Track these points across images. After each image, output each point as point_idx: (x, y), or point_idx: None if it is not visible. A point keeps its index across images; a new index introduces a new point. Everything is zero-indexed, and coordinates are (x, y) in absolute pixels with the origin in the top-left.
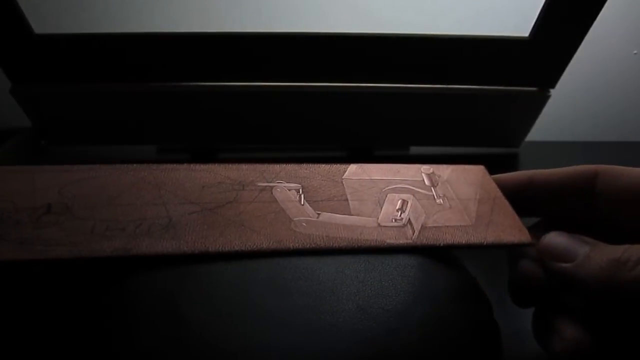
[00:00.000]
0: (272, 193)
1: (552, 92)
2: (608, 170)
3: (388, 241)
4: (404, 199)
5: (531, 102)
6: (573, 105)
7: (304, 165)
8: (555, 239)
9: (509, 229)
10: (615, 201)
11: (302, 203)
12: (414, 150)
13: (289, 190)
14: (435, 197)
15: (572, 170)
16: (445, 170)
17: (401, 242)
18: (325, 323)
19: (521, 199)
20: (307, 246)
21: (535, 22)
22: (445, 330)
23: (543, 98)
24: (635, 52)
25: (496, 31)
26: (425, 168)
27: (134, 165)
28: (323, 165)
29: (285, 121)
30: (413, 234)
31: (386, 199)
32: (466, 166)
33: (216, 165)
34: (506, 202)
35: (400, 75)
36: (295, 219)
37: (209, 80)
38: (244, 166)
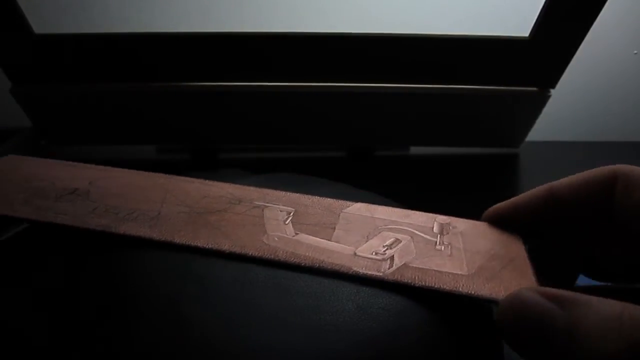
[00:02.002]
0: (262, 211)
1: (552, 92)
2: (630, 175)
3: (354, 269)
4: (398, 237)
5: (531, 102)
6: (573, 105)
7: (309, 196)
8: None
9: (515, 287)
10: (635, 214)
11: (286, 223)
12: (414, 150)
13: (280, 211)
14: (438, 243)
15: (587, 175)
16: (463, 223)
17: (369, 273)
18: (325, 323)
19: (545, 217)
20: (266, 256)
21: (535, 22)
22: (445, 330)
23: (543, 98)
24: (635, 52)
25: (496, 31)
26: (442, 218)
27: (159, 174)
28: (328, 199)
29: (285, 121)
30: (388, 269)
31: (378, 235)
32: (491, 225)
33: (227, 184)
34: (527, 264)
35: (400, 75)
36: (270, 233)
37: (209, 80)
38: (251, 188)
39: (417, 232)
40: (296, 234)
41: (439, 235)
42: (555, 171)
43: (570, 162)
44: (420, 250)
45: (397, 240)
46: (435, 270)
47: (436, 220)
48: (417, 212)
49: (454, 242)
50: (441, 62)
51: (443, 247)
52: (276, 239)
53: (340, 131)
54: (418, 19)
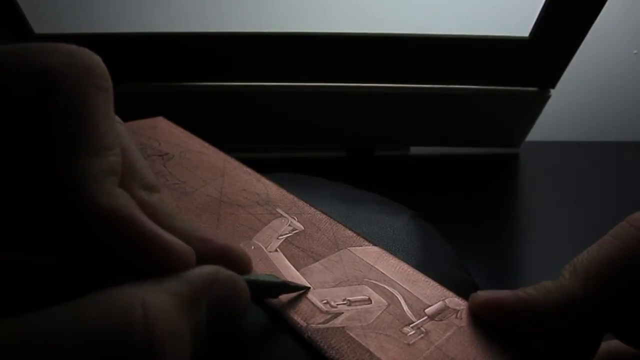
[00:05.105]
0: (273, 219)
1: (552, 92)
2: None
3: (286, 307)
4: (372, 298)
5: (531, 102)
6: (573, 105)
7: (331, 221)
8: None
9: None
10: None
11: (279, 238)
12: (414, 150)
13: (288, 225)
14: (411, 325)
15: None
16: (469, 319)
17: (294, 317)
18: None
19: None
20: None
21: (535, 22)
22: None
23: (543, 98)
24: (635, 52)
25: (496, 31)
26: (455, 301)
27: (236, 162)
28: (349, 231)
29: (285, 121)
30: (319, 323)
31: (354, 285)
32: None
33: (273, 185)
34: None
35: (400, 76)
36: (254, 240)
37: (209, 80)
38: (290, 196)
39: (404, 301)
40: (276, 250)
41: (424, 318)
42: (555, 171)
43: (570, 162)
44: (382, 323)
45: (366, 300)
46: (368, 351)
47: (445, 300)
48: (432, 282)
49: (434, 334)
50: (441, 62)
51: (412, 332)
52: (252, 247)
53: (340, 131)
54: (418, 19)
